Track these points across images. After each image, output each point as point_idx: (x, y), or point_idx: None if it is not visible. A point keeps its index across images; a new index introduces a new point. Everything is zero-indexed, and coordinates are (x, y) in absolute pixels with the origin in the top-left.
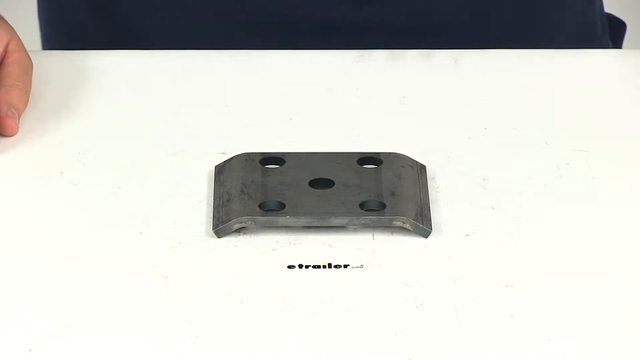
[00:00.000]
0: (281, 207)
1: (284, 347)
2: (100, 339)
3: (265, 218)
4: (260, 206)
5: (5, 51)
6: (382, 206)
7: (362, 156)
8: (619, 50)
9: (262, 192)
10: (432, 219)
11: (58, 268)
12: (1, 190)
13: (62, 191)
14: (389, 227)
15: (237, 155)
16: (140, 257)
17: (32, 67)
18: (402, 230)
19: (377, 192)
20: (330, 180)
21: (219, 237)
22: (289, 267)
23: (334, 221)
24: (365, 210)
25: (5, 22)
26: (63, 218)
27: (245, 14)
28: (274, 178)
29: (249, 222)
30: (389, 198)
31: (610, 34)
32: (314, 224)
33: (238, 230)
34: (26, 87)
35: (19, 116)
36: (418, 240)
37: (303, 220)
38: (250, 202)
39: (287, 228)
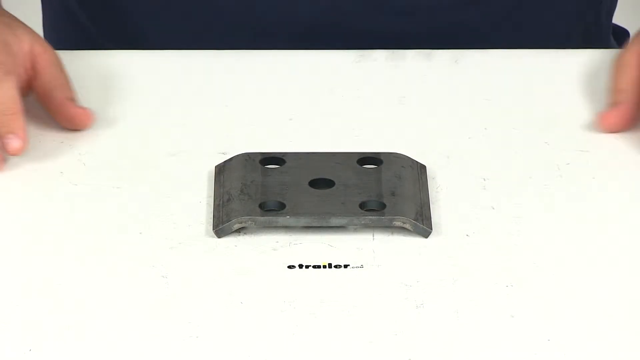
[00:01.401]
0: (281, 207)
1: (284, 348)
2: (100, 339)
3: (265, 218)
4: (261, 206)
5: (33, 54)
6: (382, 206)
7: (362, 156)
8: (619, 50)
9: (262, 192)
10: (432, 219)
11: (58, 268)
12: (1, 191)
13: (62, 191)
14: (389, 227)
15: (237, 155)
16: (140, 257)
17: (60, 59)
18: (402, 230)
19: (377, 192)
20: (330, 180)
21: (219, 237)
22: (289, 267)
23: (334, 221)
24: (365, 210)
25: (21, 23)
26: (63, 218)
27: (242, 14)
28: (274, 178)
29: (249, 222)
30: (389, 198)
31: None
32: (314, 224)
33: (238, 230)
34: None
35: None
36: (418, 240)
37: (303, 220)
38: (250, 202)
39: (287, 228)
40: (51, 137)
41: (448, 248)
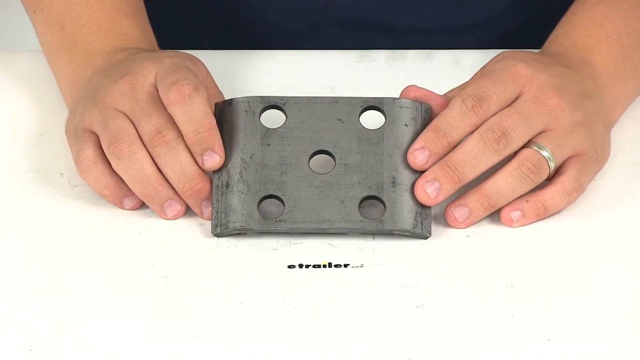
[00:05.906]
0: (280, 202)
1: (285, 347)
2: (100, 339)
3: (264, 227)
4: (260, 202)
5: (207, 79)
6: (382, 203)
7: (365, 105)
8: None
9: (262, 179)
10: (432, 219)
11: (58, 268)
12: (1, 192)
13: (62, 192)
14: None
15: (237, 103)
16: (140, 257)
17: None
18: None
19: (378, 179)
20: (330, 154)
21: (218, 237)
22: (290, 266)
23: (333, 229)
24: (364, 219)
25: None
26: (63, 219)
27: (240, 14)
28: (274, 150)
29: (248, 230)
30: (389, 191)
31: None
32: (313, 232)
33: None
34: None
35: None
36: (418, 240)
37: (302, 228)
38: (249, 197)
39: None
40: (51, 139)
41: (448, 248)
